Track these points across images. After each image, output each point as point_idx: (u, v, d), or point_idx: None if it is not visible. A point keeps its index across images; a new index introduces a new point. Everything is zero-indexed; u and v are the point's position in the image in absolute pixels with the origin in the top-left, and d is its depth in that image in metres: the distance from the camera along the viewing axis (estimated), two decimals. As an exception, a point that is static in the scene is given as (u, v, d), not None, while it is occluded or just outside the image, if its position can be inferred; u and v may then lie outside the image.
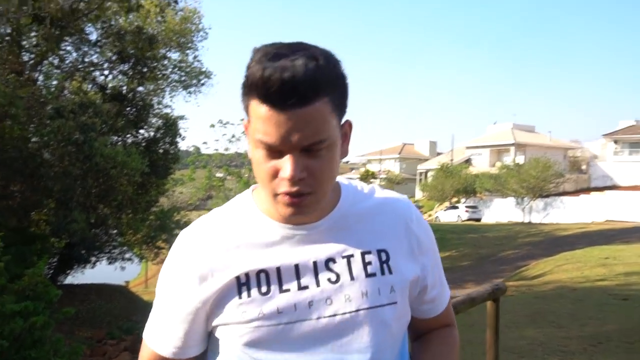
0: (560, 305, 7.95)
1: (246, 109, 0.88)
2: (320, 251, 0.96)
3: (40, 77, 13.63)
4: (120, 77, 15.64)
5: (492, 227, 29.22)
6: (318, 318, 0.93)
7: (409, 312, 1.03)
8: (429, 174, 47.84)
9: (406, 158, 61.58)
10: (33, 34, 12.69)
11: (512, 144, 43.87)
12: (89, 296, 15.32)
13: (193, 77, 19.85)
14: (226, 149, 39.55)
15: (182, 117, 17.94)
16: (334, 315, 0.93)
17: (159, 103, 18.20)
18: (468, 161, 47.48)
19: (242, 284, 0.94)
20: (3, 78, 10.84)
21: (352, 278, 0.96)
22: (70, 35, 13.36)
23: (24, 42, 12.78)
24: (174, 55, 18.87)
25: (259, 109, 0.83)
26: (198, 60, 19.84)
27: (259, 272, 0.94)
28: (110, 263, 17.58)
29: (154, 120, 16.68)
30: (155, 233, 16.58)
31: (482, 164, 45.33)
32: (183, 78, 19.63)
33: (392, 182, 49.18)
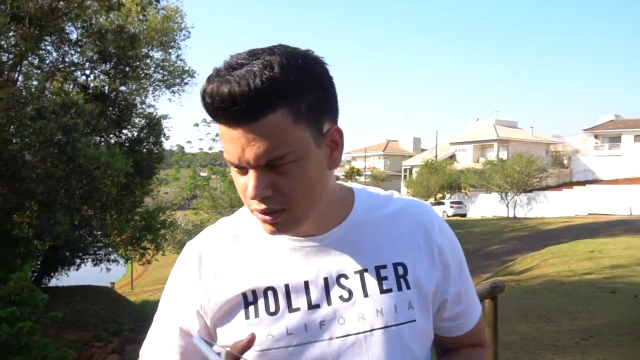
0: (550, 299, 8.00)
1: None
2: (331, 266, 0.90)
3: (20, 78, 13.40)
4: (102, 76, 15.46)
5: (477, 222, 29.44)
6: (330, 339, 0.86)
7: (431, 331, 0.95)
8: (414, 170, 48.07)
9: (390, 155, 61.77)
10: (11, 33, 12.42)
11: (495, 140, 44.26)
12: (74, 298, 15.11)
13: (176, 76, 19.71)
14: (210, 148, 39.32)
15: (165, 117, 17.80)
16: (347, 335, 0.87)
17: (142, 103, 18.07)
18: (452, 157, 47.80)
19: (249, 302, 0.89)
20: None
21: (365, 295, 0.88)
22: (50, 34, 13.15)
23: (2, 42, 12.49)
24: (157, 55, 18.74)
25: (219, 125, 0.79)
26: (181, 59, 19.71)
27: (266, 290, 0.89)
28: (95, 265, 17.35)
29: (137, 120, 16.53)
30: (141, 234, 16.44)
31: (466, 160, 45.66)
32: (166, 77, 19.49)
33: (377, 179, 49.30)
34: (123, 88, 15.80)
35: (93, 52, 14.34)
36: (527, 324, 6.61)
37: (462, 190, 39.20)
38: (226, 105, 0.74)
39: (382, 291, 0.89)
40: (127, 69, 14.78)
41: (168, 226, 19.40)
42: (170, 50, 18.87)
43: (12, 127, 11.10)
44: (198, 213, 37.37)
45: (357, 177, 56.01)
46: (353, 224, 0.93)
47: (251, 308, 0.88)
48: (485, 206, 36.96)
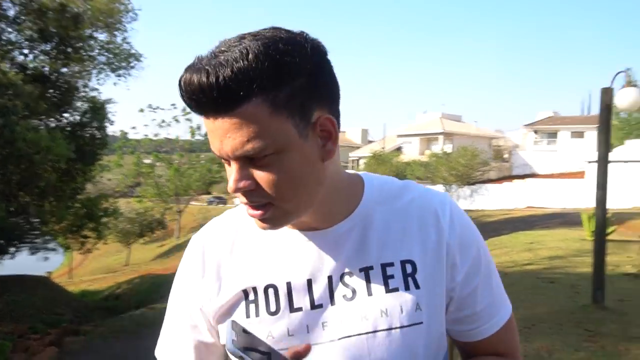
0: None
1: None
2: (335, 262, 0.86)
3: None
4: (42, 57, 14.77)
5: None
6: (332, 340, 0.83)
7: (443, 335, 0.89)
8: (361, 161, 48.55)
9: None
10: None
11: (441, 133, 45.24)
12: (9, 288, 14.47)
13: (122, 60, 19.04)
14: (156, 135, 38.36)
15: (110, 101, 17.18)
16: (348, 336, 0.83)
17: (85, 86, 17.35)
18: (399, 149, 48.58)
19: (250, 301, 0.86)
20: None
21: (369, 294, 0.84)
22: (-15, 10, 12.41)
23: None
24: (101, 36, 18.04)
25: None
26: (127, 42, 19.06)
27: (267, 287, 0.86)
28: (32, 253, 16.66)
29: (79, 103, 15.91)
30: (82, 221, 15.90)
31: (412, 152, 46.49)
32: (111, 60, 18.77)
33: (324, 170, 49.43)
34: (65, 70, 15.18)
35: (32, 30, 13.66)
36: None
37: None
38: (197, 96, 0.71)
39: (388, 290, 0.85)
40: (69, 49, 14.21)
41: (110, 214, 18.88)
42: (116, 33, 18.21)
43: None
44: (142, 201, 36.52)
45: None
46: (360, 218, 0.88)
47: (252, 306, 0.86)
48: (430, 198, 37.76)
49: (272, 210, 0.78)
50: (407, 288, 0.85)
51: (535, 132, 45.73)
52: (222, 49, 0.72)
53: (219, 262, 0.90)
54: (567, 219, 20.17)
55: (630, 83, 6.45)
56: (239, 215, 0.94)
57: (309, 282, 0.85)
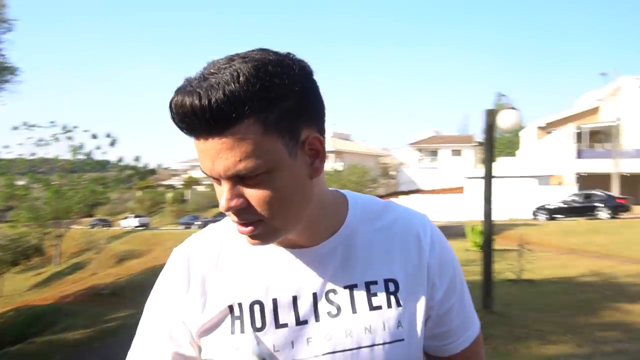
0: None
1: None
2: (320, 280, 0.88)
3: None
4: None
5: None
6: (316, 356, 0.85)
7: (420, 350, 0.92)
8: (254, 180, 48.31)
9: (230, 164, 61.49)
10: None
11: (332, 151, 46.47)
12: None
13: (-5, 73, 17.50)
14: (32, 154, 35.53)
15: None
16: (333, 352, 0.85)
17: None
18: (291, 167, 49.10)
19: (235, 317, 0.86)
20: None
21: (354, 311, 0.87)
22: None
23: None
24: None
25: None
26: (1, 55, 17.56)
27: (252, 304, 0.87)
28: None
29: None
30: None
31: (304, 170, 47.15)
32: (-19, 73, 17.20)
33: (216, 189, 48.62)
34: None
35: None
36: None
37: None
38: (189, 118, 0.73)
39: (372, 308, 0.87)
40: None
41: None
42: (-13, 43, 16.75)
43: None
44: (15, 226, 33.54)
45: (195, 186, 54.83)
46: (345, 237, 0.91)
47: (237, 322, 0.86)
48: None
49: (262, 227, 0.80)
50: (389, 306, 0.88)
51: (419, 150, 48.45)
52: (212, 71, 0.74)
53: (204, 276, 0.89)
54: (450, 231, 21.39)
55: (502, 106, 7.12)
56: (223, 230, 0.94)
57: (294, 299, 0.87)
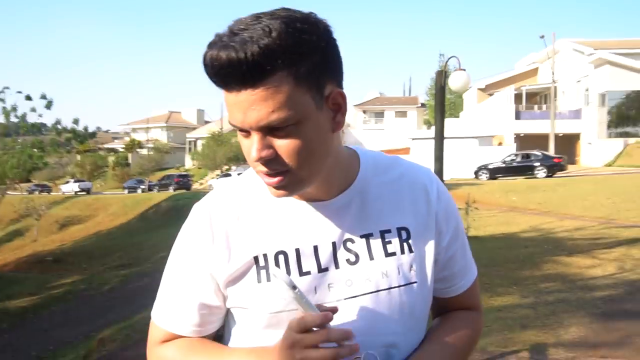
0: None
1: None
2: (338, 230, 0.94)
3: None
4: None
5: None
6: (338, 300, 0.91)
7: (430, 293, 1.00)
8: (199, 142, 47.58)
9: (173, 127, 60.09)
10: None
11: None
12: None
13: None
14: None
15: None
16: (354, 296, 0.92)
17: None
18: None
19: (260, 267, 0.91)
20: None
21: (371, 258, 0.94)
22: None
23: None
24: None
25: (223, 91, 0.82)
26: None
27: (277, 254, 0.92)
28: None
29: None
30: None
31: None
32: None
33: (160, 152, 47.57)
34: None
35: None
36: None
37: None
38: (225, 71, 0.76)
39: (387, 254, 0.94)
40: None
41: None
42: None
43: None
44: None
45: (138, 149, 53.35)
46: (359, 190, 0.96)
47: (262, 272, 0.91)
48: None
49: (288, 177, 0.83)
50: (402, 252, 0.95)
51: (364, 111, 48.79)
52: (241, 27, 0.77)
53: (227, 230, 0.93)
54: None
55: (446, 68, 7.26)
56: (241, 185, 0.98)
57: (315, 248, 0.92)
